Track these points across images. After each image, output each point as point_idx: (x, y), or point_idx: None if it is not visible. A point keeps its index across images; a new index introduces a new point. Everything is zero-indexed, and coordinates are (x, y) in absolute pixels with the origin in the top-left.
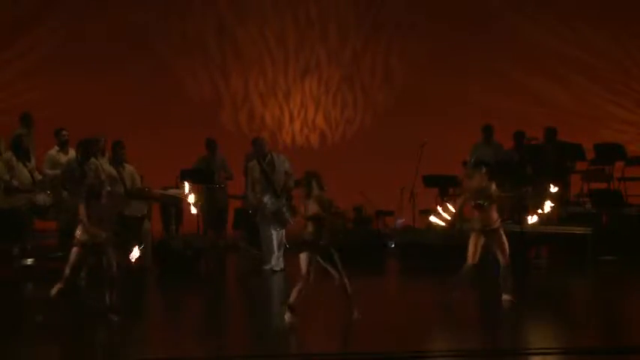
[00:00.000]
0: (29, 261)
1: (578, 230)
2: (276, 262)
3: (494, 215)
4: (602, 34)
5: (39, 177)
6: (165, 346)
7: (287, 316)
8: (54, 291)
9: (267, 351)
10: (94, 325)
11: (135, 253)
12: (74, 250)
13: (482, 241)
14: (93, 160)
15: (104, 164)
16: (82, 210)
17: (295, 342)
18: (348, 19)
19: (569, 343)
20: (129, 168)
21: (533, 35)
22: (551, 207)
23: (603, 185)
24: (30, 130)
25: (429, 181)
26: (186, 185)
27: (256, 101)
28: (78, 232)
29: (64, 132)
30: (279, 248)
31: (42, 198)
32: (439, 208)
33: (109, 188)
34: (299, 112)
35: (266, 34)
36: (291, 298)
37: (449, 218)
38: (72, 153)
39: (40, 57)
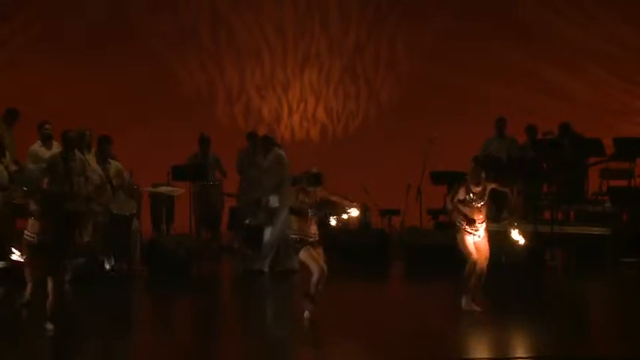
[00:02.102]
0: (5, 263)
1: (596, 231)
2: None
3: None
4: (621, 21)
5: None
6: (156, 352)
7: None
8: None
9: (262, 357)
10: (82, 331)
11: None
12: None
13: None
14: (78, 154)
15: (90, 160)
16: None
17: (292, 348)
18: (351, 6)
19: (585, 351)
20: (115, 164)
21: (547, 23)
22: None
23: (623, 182)
24: (10, 126)
25: (438, 178)
26: None
27: (253, 94)
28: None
29: (47, 126)
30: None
31: (20, 195)
32: None
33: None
34: (298, 105)
35: (263, 22)
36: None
37: None
38: (56, 148)
39: (24, 48)
